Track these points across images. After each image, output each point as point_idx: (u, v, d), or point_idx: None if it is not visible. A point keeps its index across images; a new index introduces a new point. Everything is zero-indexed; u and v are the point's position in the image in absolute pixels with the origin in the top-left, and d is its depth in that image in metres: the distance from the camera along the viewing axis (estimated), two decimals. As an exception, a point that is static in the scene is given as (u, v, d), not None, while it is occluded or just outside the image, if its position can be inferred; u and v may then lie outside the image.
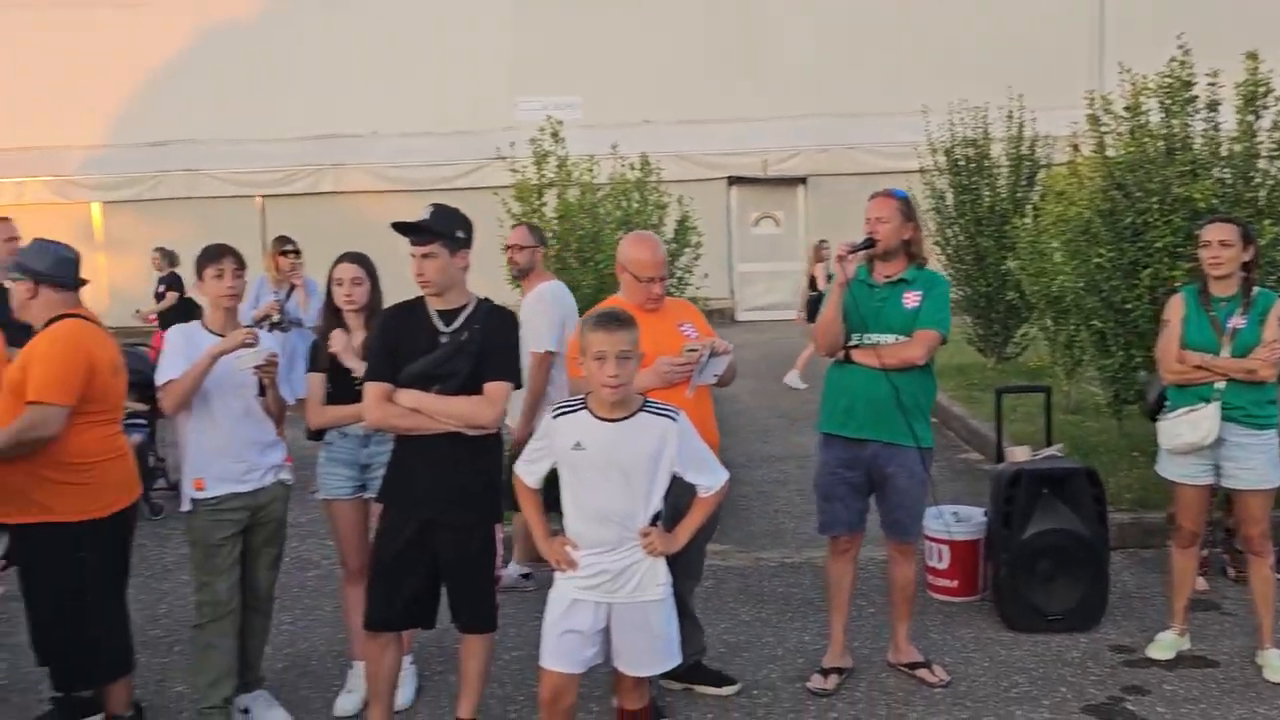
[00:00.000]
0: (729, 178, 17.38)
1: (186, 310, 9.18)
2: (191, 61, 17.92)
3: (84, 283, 3.84)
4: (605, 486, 3.17)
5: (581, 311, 5.72)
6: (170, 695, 4.32)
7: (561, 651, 3.24)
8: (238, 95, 17.51)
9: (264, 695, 4.09)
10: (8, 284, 3.80)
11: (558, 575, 3.27)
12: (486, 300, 3.64)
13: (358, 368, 3.85)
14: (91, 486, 3.64)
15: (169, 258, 10.85)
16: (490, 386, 3.44)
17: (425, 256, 3.47)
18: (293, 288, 7.39)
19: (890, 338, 4.10)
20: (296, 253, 7.48)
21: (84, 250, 4.10)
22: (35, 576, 3.62)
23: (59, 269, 3.74)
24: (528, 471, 3.33)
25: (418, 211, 3.56)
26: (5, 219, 5.70)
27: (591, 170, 6.94)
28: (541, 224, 6.82)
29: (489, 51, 17.52)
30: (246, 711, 4.01)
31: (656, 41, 17.44)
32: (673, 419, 3.22)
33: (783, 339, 14.54)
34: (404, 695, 4.05)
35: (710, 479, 3.32)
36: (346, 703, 4.13)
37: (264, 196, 17.69)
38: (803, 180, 17.59)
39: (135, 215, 17.64)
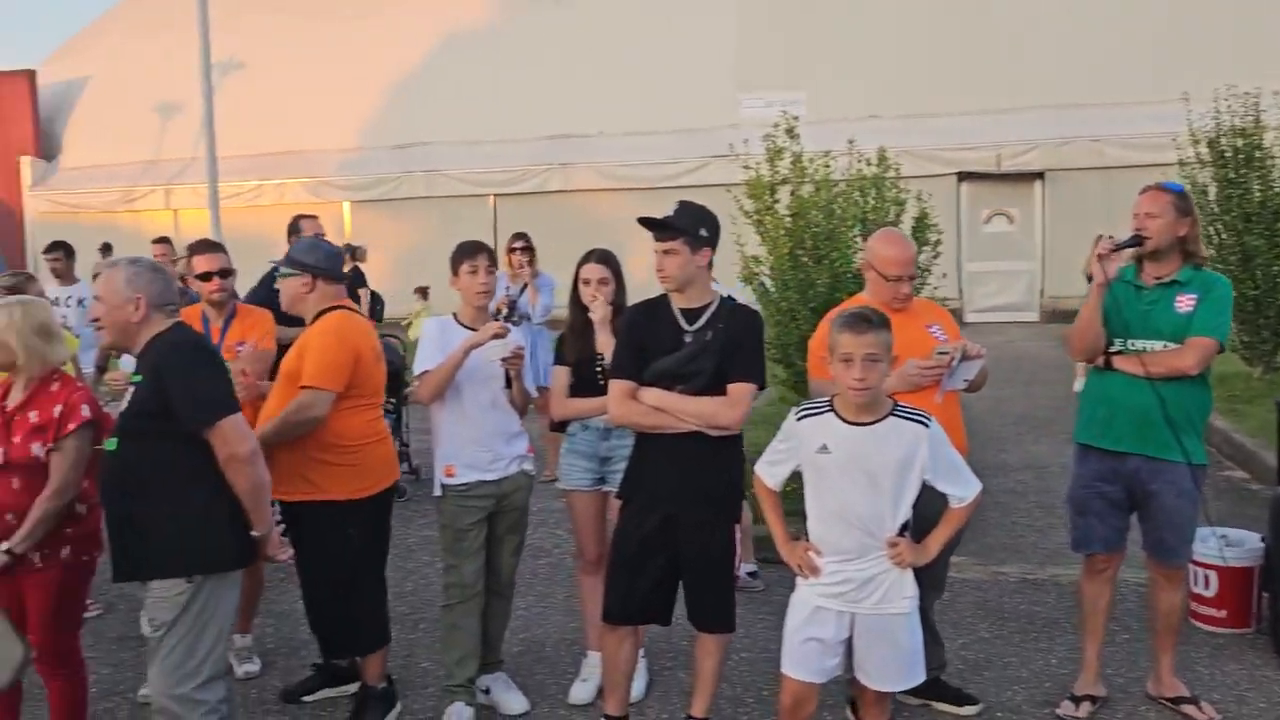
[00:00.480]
0: (959, 173, 16.70)
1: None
2: (431, 66, 18.96)
3: (347, 278, 4.09)
4: (850, 491, 3.07)
5: (819, 311, 5.64)
6: (416, 670, 4.54)
7: (802, 659, 3.17)
8: (473, 98, 18.39)
9: (503, 678, 4.23)
10: (280, 282, 4.09)
11: (799, 581, 3.21)
12: (730, 298, 3.62)
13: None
14: (357, 468, 3.88)
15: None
16: (734, 387, 3.41)
17: (667, 253, 3.48)
18: (525, 285, 7.63)
19: (1157, 344, 3.78)
20: (528, 249, 7.72)
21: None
22: (307, 551, 3.88)
23: (330, 264, 4.01)
24: (769, 474, 3.27)
25: (642, 210, 3.58)
26: (165, 239, 6.22)
27: (828, 165, 6.80)
28: (773, 222, 6.75)
29: (712, 49, 17.60)
30: (487, 691, 4.16)
31: (881, 33, 16.99)
32: (925, 424, 3.09)
33: (1013, 341, 13.87)
34: (636, 688, 4.08)
35: (963, 489, 3.16)
36: (581, 691, 4.21)
37: (496, 195, 18.44)
38: (1039, 175, 16.68)
39: (380, 214, 18.83)
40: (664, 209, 3.57)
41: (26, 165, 20.27)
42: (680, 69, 17.42)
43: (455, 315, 4.07)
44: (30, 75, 20.48)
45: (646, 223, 3.53)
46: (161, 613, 3.07)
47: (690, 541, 3.47)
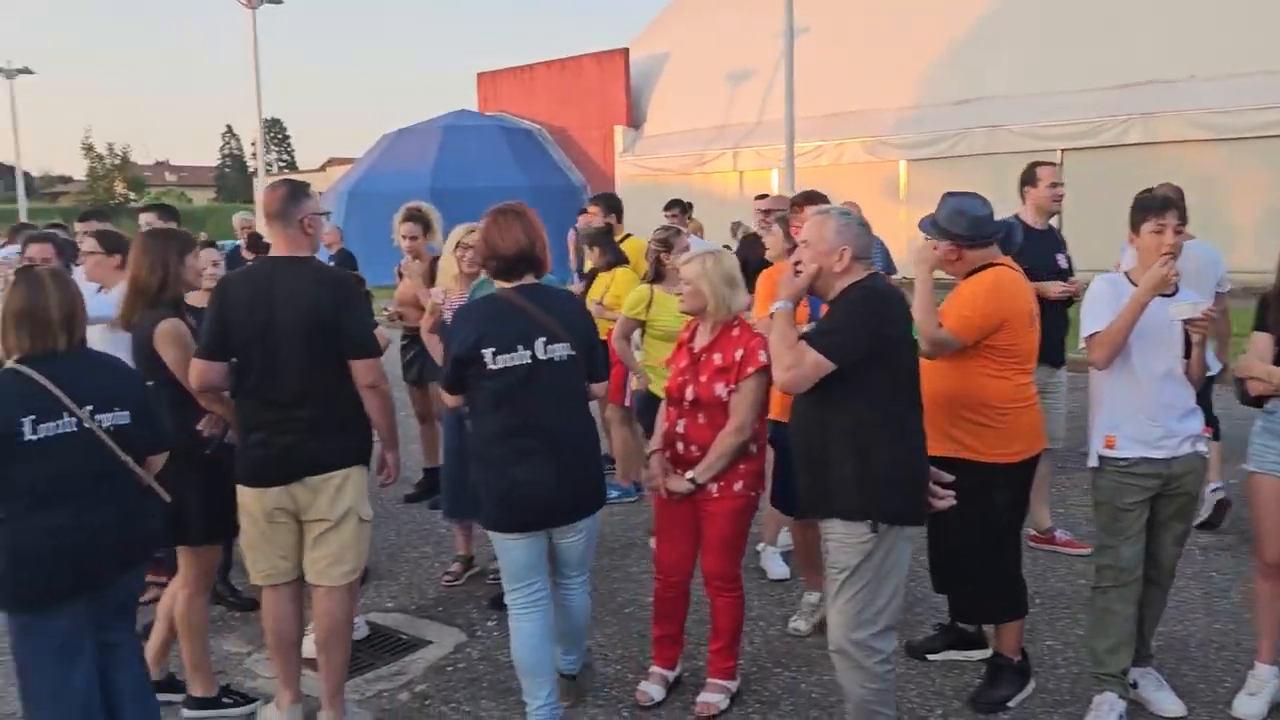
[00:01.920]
0: None
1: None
2: (991, 17, 18.11)
3: (997, 233, 3.90)
4: None
5: None
6: (1042, 648, 4.34)
7: None
8: (1037, 47, 17.27)
9: (1153, 674, 3.87)
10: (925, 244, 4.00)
11: None
12: None
13: None
14: (1003, 431, 3.74)
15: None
16: None
17: None
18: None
19: None
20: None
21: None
22: (947, 510, 3.82)
23: (977, 230, 3.85)
24: None
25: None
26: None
27: None
28: None
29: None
30: (1135, 685, 3.83)
31: None
32: None
33: None
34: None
35: None
36: (1249, 706, 3.72)
37: (1064, 150, 17.19)
38: None
39: (936, 172, 18.47)
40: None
41: (619, 134, 22.82)
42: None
43: (1127, 273, 3.72)
44: (624, 53, 22.98)
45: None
46: (845, 557, 3.17)
47: None
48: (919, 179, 18.64)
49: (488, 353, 3.47)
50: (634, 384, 5.55)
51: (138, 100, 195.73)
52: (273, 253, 3.81)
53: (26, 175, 37.26)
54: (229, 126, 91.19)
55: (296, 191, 3.65)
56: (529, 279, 3.62)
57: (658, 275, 5.56)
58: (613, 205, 7.56)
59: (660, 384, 5.48)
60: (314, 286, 3.55)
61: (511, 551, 3.60)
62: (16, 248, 6.56)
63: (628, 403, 5.90)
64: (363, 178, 23.12)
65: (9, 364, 3.09)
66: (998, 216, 3.95)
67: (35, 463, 2.96)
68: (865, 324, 3.13)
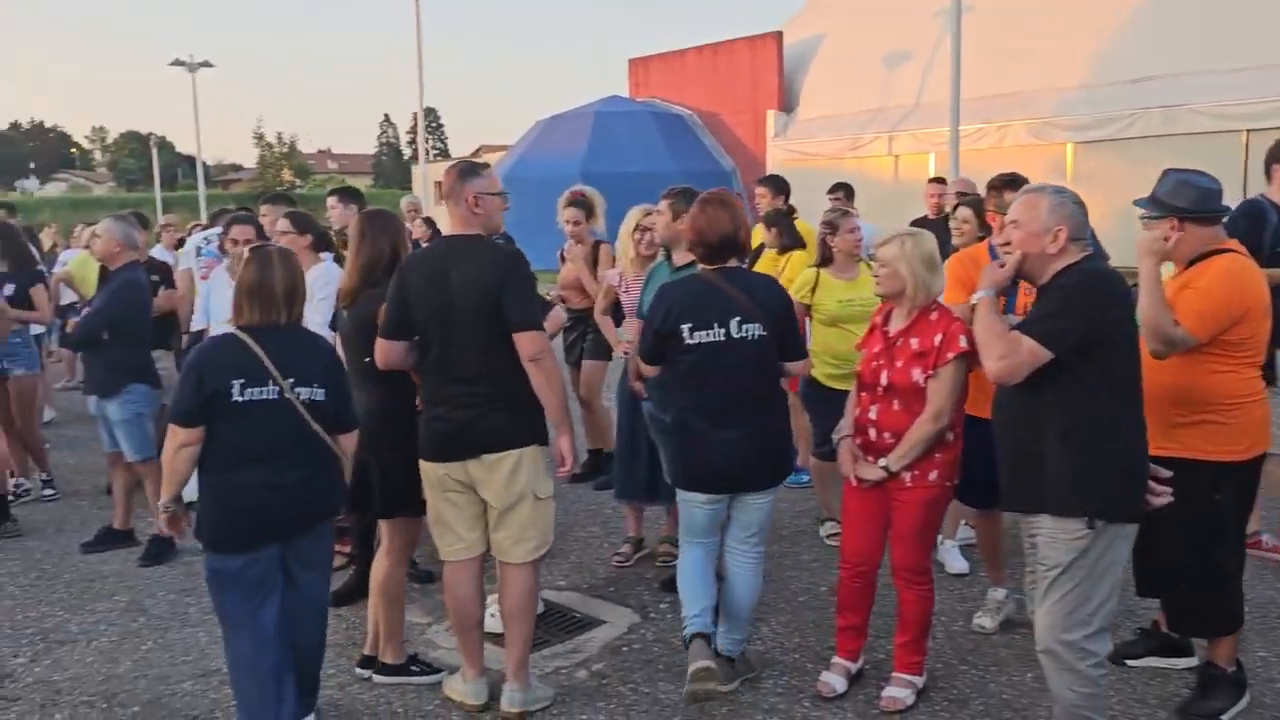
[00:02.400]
0: None
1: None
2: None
3: (1223, 212, 3.64)
4: None
5: None
6: (1255, 659, 4.06)
7: None
8: (1224, 20, 16.20)
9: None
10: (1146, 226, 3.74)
11: None
12: None
13: None
14: (1232, 427, 3.49)
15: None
16: None
17: None
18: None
19: None
20: None
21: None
22: (1164, 510, 3.59)
23: (1204, 203, 3.59)
24: None
25: None
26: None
27: None
28: None
29: None
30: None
31: None
32: None
33: None
34: None
35: None
36: None
37: (1250, 131, 16.11)
38: None
39: (1105, 154, 17.59)
40: None
41: (771, 118, 22.55)
42: None
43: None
44: (778, 36, 22.67)
45: None
46: (1056, 553, 3.02)
47: None
48: (1087, 163, 17.77)
49: (685, 328, 3.69)
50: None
51: (302, 91, 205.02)
52: (445, 232, 3.95)
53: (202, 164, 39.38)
54: (386, 115, 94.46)
55: (465, 171, 3.70)
56: (732, 262, 3.80)
57: (824, 258, 5.44)
58: (780, 187, 7.45)
59: (823, 369, 5.37)
60: (486, 265, 3.58)
61: (695, 513, 3.85)
62: (217, 230, 6.91)
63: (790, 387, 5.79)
64: (517, 163, 23.52)
65: (233, 328, 3.38)
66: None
67: (239, 422, 3.27)
68: (1084, 309, 2.96)
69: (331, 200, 6.47)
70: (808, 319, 5.33)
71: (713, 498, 3.79)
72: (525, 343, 3.56)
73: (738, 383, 3.70)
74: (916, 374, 3.59)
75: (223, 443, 3.28)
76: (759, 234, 6.47)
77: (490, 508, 3.70)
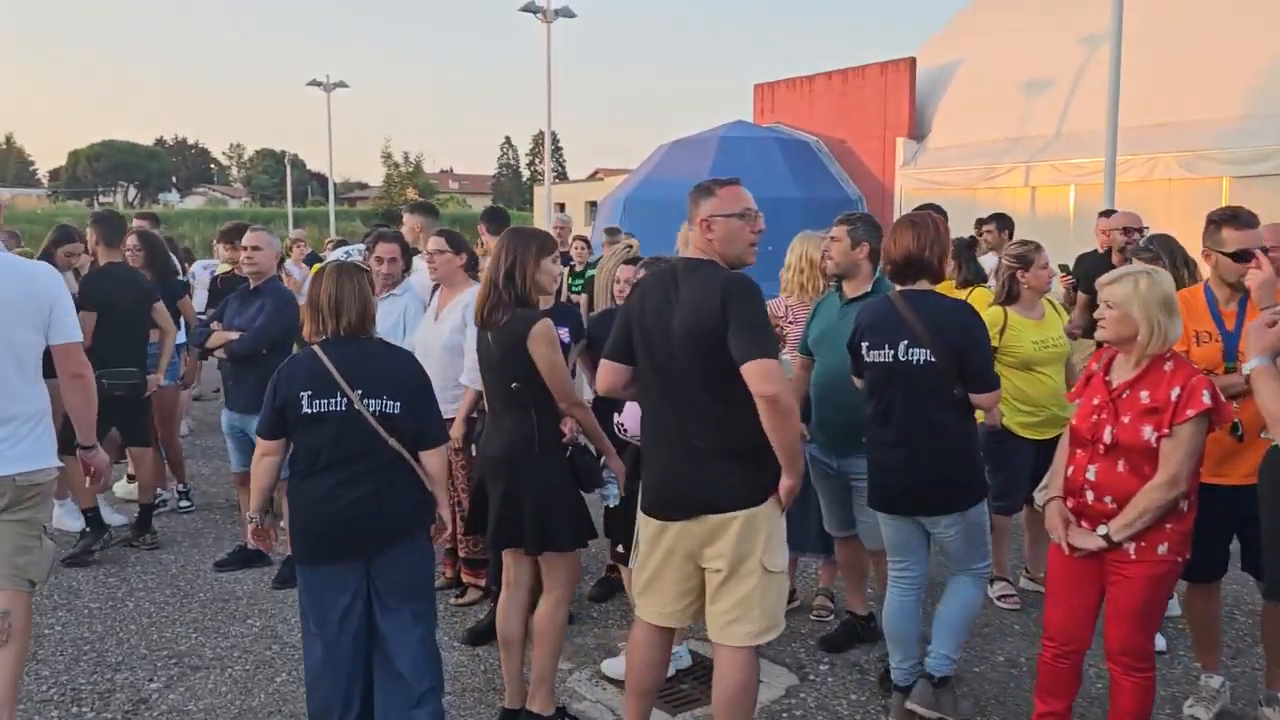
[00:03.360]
0: None
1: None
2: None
3: None
4: None
5: None
6: None
7: None
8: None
9: None
10: None
11: None
12: None
13: None
14: None
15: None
16: None
17: None
18: None
19: None
20: None
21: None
22: None
23: None
24: None
25: None
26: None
27: None
28: None
29: None
30: None
31: None
32: None
33: None
34: None
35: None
36: None
37: None
38: None
39: (1265, 191, 16.49)
40: None
41: (900, 146, 21.95)
42: None
43: None
44: (910, 62, 22.09)
45: None
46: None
47: None
48: (1244, 198, 16.46)
49: (864, 345, 3.84)
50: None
51: (428, 112, 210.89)
52: (681, 254, 3.86)
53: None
54: (507, 138, 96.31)
55: (698, 192, 3.34)
56: (923, 284, 3.79)
57: (1010, 295, 5.00)
58: (1004, 224, 7.43)
59: (1015, 417, 4.92)
60: (710, 291, 3.10)
61: (884, 527, 3.95)
62: (359, 245, 6.83)
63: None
64: (640, 185, 23.41)
65: (314, 345, 3.45)
66: None
67: (310, 433, 3.34)
68: None
69: (481, 225, 6.40)
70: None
71: (893, 515, 3.86)
72: (755, 375, 3.00)
73: (905, 405, 3.71)
74: (1148, 432, 3.15)
75: (299, 453, 3.40)
76: None
77: (709, 576, 3.22)
